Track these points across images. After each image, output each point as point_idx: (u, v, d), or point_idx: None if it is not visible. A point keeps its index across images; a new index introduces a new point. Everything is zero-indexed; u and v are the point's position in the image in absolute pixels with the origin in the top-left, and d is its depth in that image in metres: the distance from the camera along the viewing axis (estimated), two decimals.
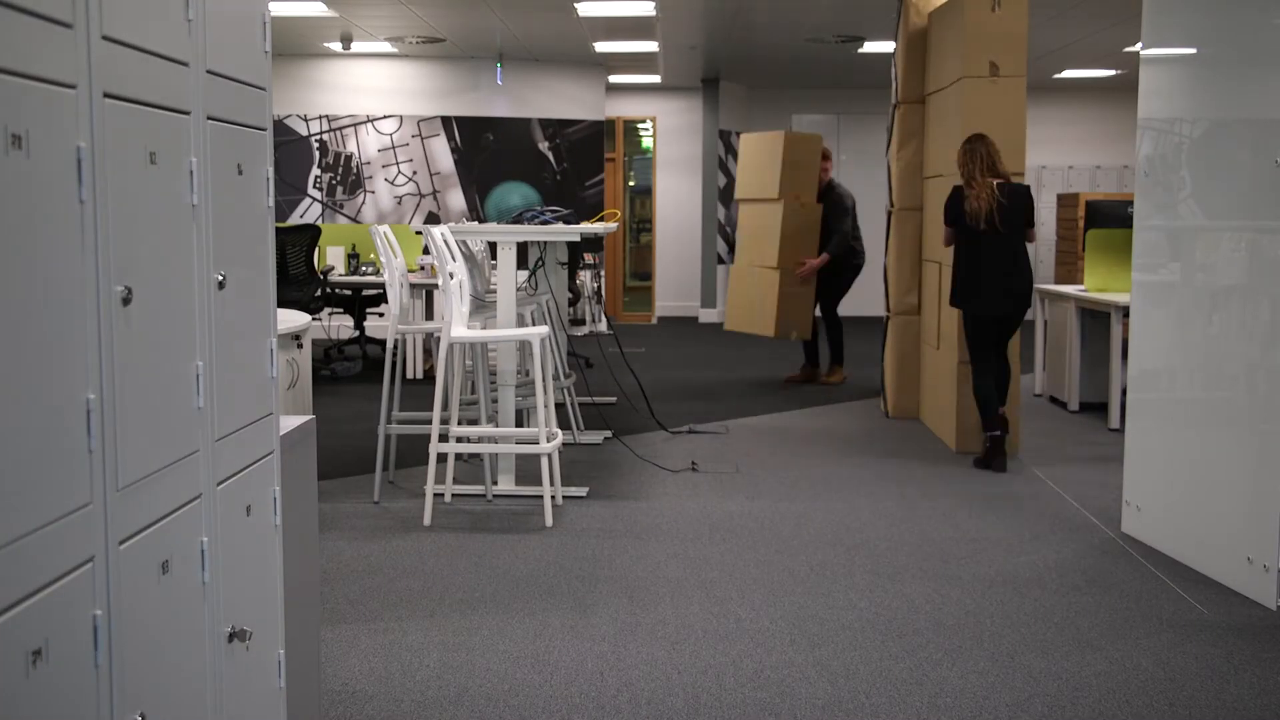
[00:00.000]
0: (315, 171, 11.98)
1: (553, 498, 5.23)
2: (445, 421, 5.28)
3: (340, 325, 11.07)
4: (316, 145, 11.98)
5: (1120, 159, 14.50)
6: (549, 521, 5.06)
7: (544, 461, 5.13)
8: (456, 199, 12.10)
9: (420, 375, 9.34)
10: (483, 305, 5.77)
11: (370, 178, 12.01)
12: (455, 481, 5.57)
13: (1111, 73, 12.83)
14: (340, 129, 11.99)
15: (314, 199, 11.99)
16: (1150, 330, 4.85)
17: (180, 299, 1.87)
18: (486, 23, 9.94)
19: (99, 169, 1.59)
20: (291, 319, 4.24)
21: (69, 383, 1.52)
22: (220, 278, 2.01)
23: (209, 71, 1.97)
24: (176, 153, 1.85)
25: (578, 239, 5.83)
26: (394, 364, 5.56)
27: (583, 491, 5.60)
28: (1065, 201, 13.39)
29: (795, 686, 3.38)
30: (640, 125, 14.88)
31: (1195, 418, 4.53)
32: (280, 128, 11.82)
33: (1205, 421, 4.46)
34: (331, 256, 10.23)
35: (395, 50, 11.53)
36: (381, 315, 10.86)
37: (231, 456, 2.09)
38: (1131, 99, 5.26)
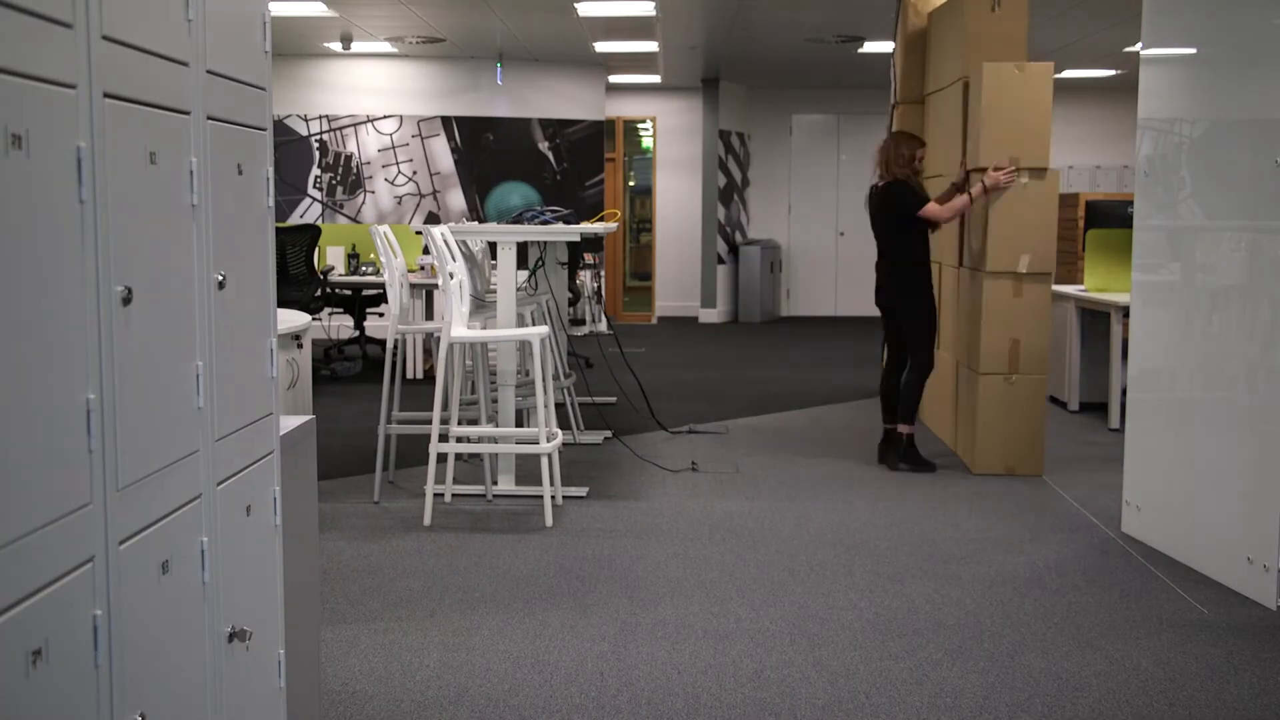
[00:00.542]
0: (315, 171, 11.98)
1: (553, 498, 5.23)
2: (445, 421, 5.28)
3: (340, 325, 11.06)
4: (316, 145, 11.98)
5: (1120, 159, 14.50)
6: (549, 521, 5.06)
7: (544, 461, 5.13)
8: (456, 199, 12.09)
9: (420, 375, 9.34)
10: (483, 305, 5.77)
11: (370, 178, 12.01)
12: (455, 481, 5.57)
13: (1111, 73, 12.84)
14: (340, 129, 11.99)
15: (314, 199, 11.99)
16: (1150, 330, 4.85)
17: (180, 299, 1.87)
18: (486, 23, 9.94)
19: (99, 169, 1.59)
20: (291, 319, 4.24)
21: (69, 383, 1.52)
22: (220, 278, 2.01)
23: (209, 71, 1.97)
24: (176, 153, 1.85)
25: (578, 239, 5.83)
26: (394, 364, 5.56)
27: (583, 491, 5.60)
28: (1065, 201, 13.38)
29: (795, 686, 3.38)
30: (640, 125, 14.88)
31: (1195, 418, 4.53)
32: (280, 128, 11.82)
33: (1205, 421, 4.46)
34: (331, 256, 10.23)
35: (395, 50, 11.53)
36: (381, 315, 10.86)
37: (231, 456, 2.09)
38: (1131, 99, 5.26)
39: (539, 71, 12.20)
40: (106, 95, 1.61)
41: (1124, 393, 5.48)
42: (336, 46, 11.20)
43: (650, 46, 11.08)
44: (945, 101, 6.95)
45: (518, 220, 5.90)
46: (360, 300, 9.97)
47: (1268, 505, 4.06)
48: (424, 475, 5.62)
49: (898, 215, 6.10)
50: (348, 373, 9.49)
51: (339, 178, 12.02)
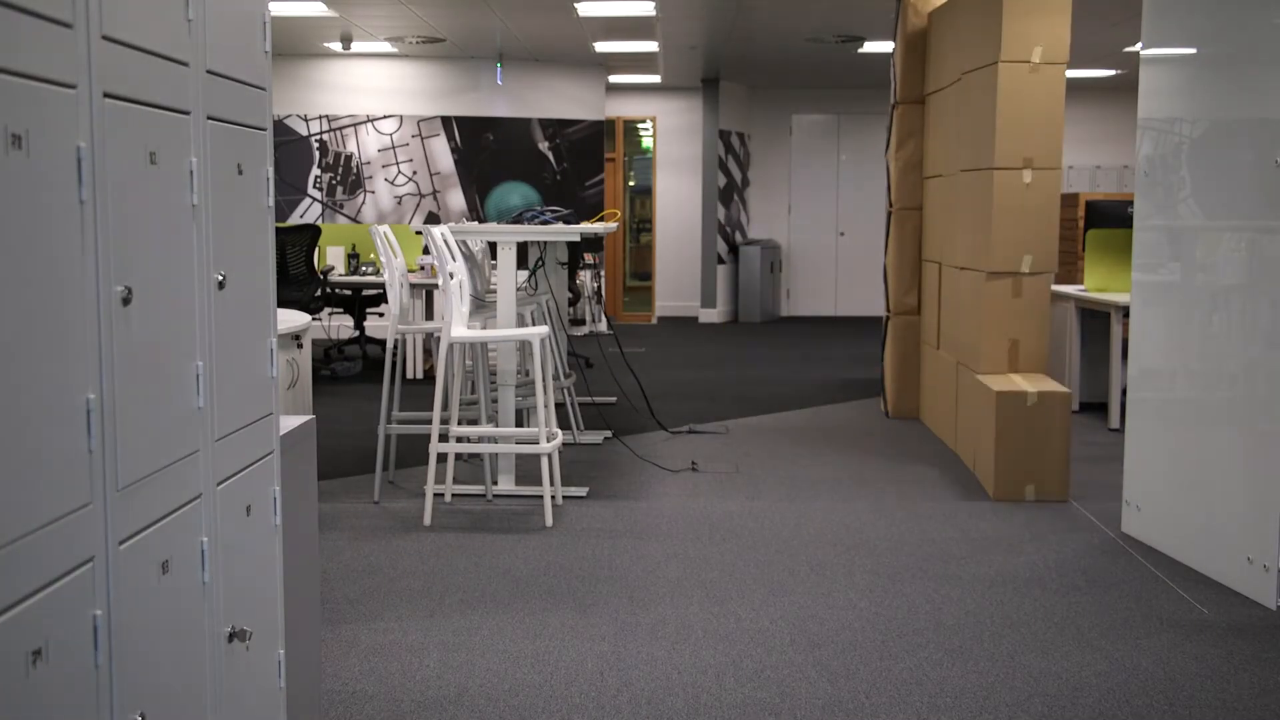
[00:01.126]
0: (315, 171, 11.98)
1: (553, 498, 5.23)
2: (445, 421, 5.28)
3: (340, 325, 11.06)
4: (316, 145, 11.98)
5: (1120, 159, 14.50)
6: (549, 521, 5.06)
7: (544, 461, 5.13)
8: (456, 199, 12.09)
9: (420, 375, 9.34)
10: (483, 305, 5.77)
11: (370, 178, 12.01)
12: (455, 481, 5.57)
13: (1111, 73, 12.83)
14: (340, 129, 11.99)
15: (314, 199, 11.99)
16: (1150, 330, 4.85)
17: (180, 299, 1.87)
18: (486, 23, 9.94)
19: (99, 169, 1.59)
20: (291, 319, 4.24)
21: (69, 383, 1.52)
22: (220, 278, 2.01)
23: (209, 71, 1.97)
24: (176, 153, 1.85)
25: (578, 239, 5.83)
26: (394, 364, 5.56)
27: (583, 491, 5.60)
28: (1065, 201, 13.39)
29: (795, 686, 3.38)
30: (640, 125, 14.88)
31: (1195, 418, 4.53)
32: (280, 128, 11.82)
33: (1205, 421, 4.46)
34: (331, 256, 10.23)
35: (395, 50, 11.53)
36: (381, 315, 10.87)
37: (231, 456, 2.09)
38: (1131, 99, 5.27)
39: (539, 71, 12.20)
40: (106, 95, 1.61)
41: (1124, 393, 5.48)
42: (336, 46, 11.20)
43: (650, 46, 11.08)
44: (951, 97, 6.95)
45: (518, 220, 5.90)
46: (360, 300, 9.97)
47: (1268, 505, 4.07)
48: (424, 475, 5.62)
49: None
50: (348, 373, 9.50)
51: (339, 178, 12.01)
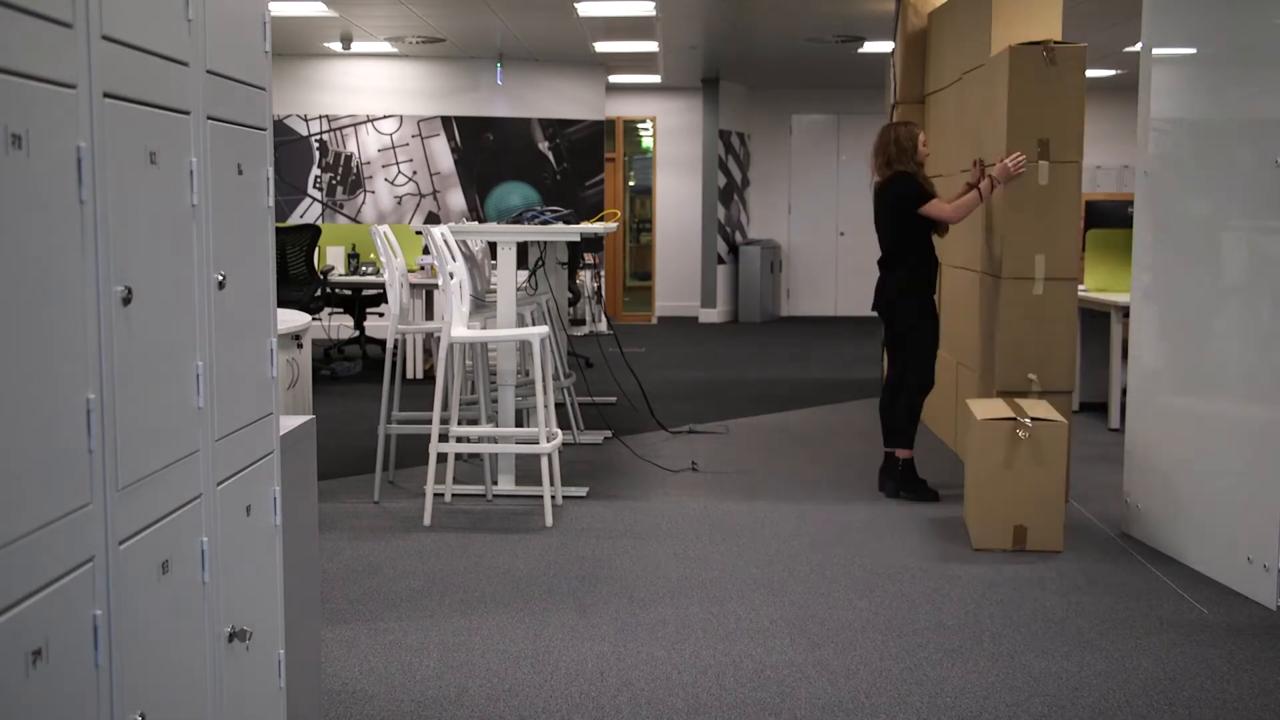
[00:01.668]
0: (315, 171, 11.98)
1: (553, 498, 5.23)
2: (445, 421, 5.28)
3: (340, 325, 11.06)
4: (316, 145, 11.98)
5: (1120, 159, 14.50)
6: (549, 521, 5.06)
7: (544, 461, 5.13)
8: (456, 199, 12.09)
9: (420, 375, 9.34)
10: (483, 305, 5.77)
11: (370, 178, 12.01)
12: (455, 481, 5.57)
13: (1111, 73, 12.83)
14: (340, 129, 11.99)
15: (314, 199, 11.99)
16: (1150, 330, 4.85)
17: (180, 299, 1.87)
18: (486, 23, 9.94)
19: (99, 169, 1.59)
20: (291, 319, 4.24)
21: (69, 383, 1.52)
22: (220, 278, 2.01)
23: (209, 71, 1.97)
24: (176, 153, 1.85)
25: (578, 239, 5.83)
26: (394, 364, 5.56)
27: (583, 491, 5.60)
28: None
29: (795, 686, 3.38)
30: (640, 125, 14.88)
31: (1195, 418, 4.53)
32: (280, 128, 11.82)
33: (1205, 421, 4.46)
34: (331, 256, 10.23)
35: (395, 50, 11.53)
36: (381, 315, 10.86)
37: (231, 456, 2.09)
38: (1131, 99, 5.25)
39: (539, 71, 12.20)
40: (106, 95, 1.61)
41: (1124, 393, 5.48)
42: (336, 46, 11.20)
43: (650, 46, 11.08)
44: (948, 100, 6.95)
45: (518, 220, 5.90)
46: (360, 300, 9.97)
47: (1268, 505, 4.06)
48: (424, 475, 5.62)
49: (895, 211, 5.46)
50: (348, 373, 9.49)
51: (339, 178, 12.01)
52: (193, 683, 1.94)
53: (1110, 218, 9.11)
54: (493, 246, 6.37)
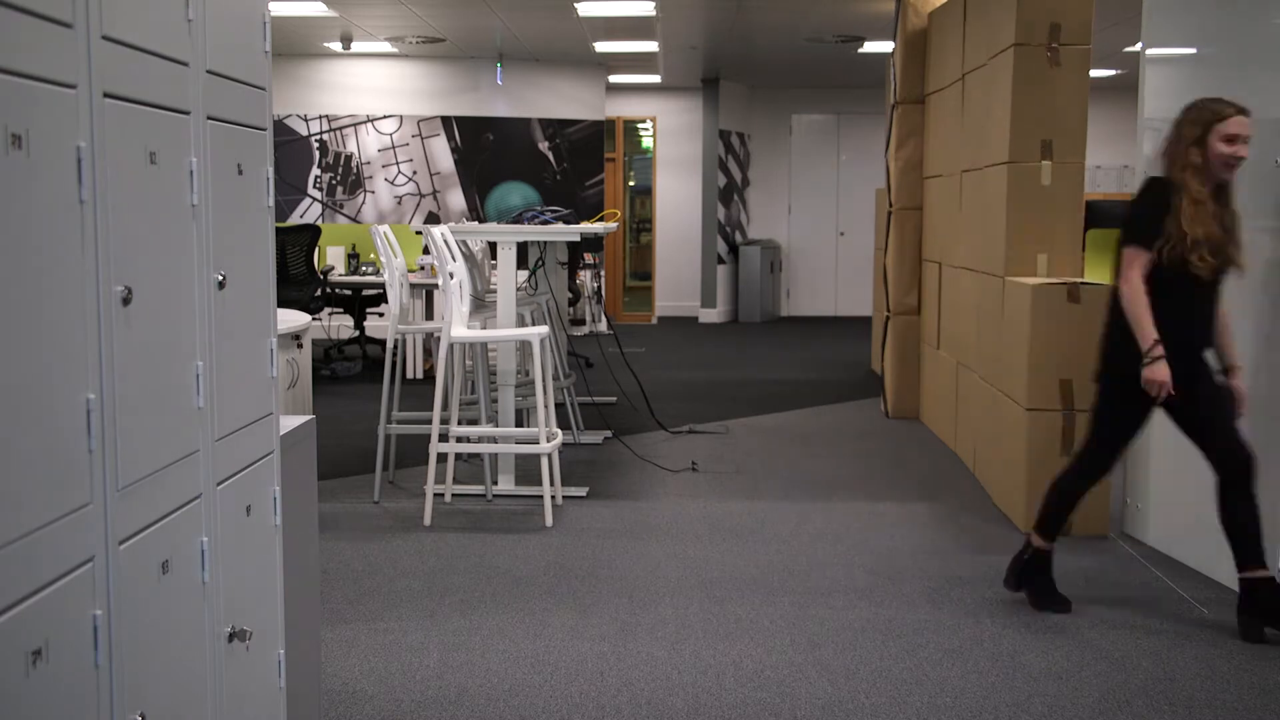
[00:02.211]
0: (315, 171, 11.98)
1: (553, 498, 5.23)
2: (445, 421, 5.28)
3: (340, 325, 11.06)
4: (316, 145, 11.98)
5: (1120, 159, 14.50)
6: (549, 521, 5.06)
7: (544, 461, 5.13)
8: (456, 199, 12.09)
9: (420, 375, 9.34)
10: (483, 305, 5.77)
11: (370, 178, 12.01)
12: (455, 481, 5.57)
13: (1111, 73, 12.84)
14: (340, 129, 11.99)
15: (314, 199, 11.99)
16: None
17: (180, 299, 1.87)
18: (486, 23, 9.94)
19: (99, 169, 1.59)
20: (291, 319, 4.24)
21: (69, 383, 1.52)
22: (220, 278, 2.01)
23: (209, 71, 1.97)
24: (176, 153, 1.85)
25: (578, 239, 5.83)
26: (394, 364, 5.56)
27: (583, 491, 5.60)
28: None
29: (795, 686, 3.38)
30: (640, 125, 14.88)
31: None
32: (280, 128, 11.82)
33: None
34: (331, 256, 10.23)
35: (395, 50, 11.53)
36: (381, 315, 10.86)
37: (231, 456, 2.09)
38: (1131, 99, 5.25)
39: (539, 71, 12.20)
40: (106, 95, 1.61)
41: None
42: (336, 46, 11.20)
43: (650, 46, 11.08)
44: (948, 100, 6.95)
45: (518, 220, 5.90)
46: (360, 300, 9.97)
47: (1268, 505, 4.06)
48: (424, 475, 5.62)
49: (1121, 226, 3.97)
50: (348, 373, 9.50)
51: (339, 178, 12.02)
52: (193, 683, 1.94)
53: (1110, 218, 9.09)
54: (493, 246, 6.37)
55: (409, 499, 5.50)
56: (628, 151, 14.86)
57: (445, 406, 5.29)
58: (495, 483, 5.59)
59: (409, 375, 9.24)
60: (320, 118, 11.98)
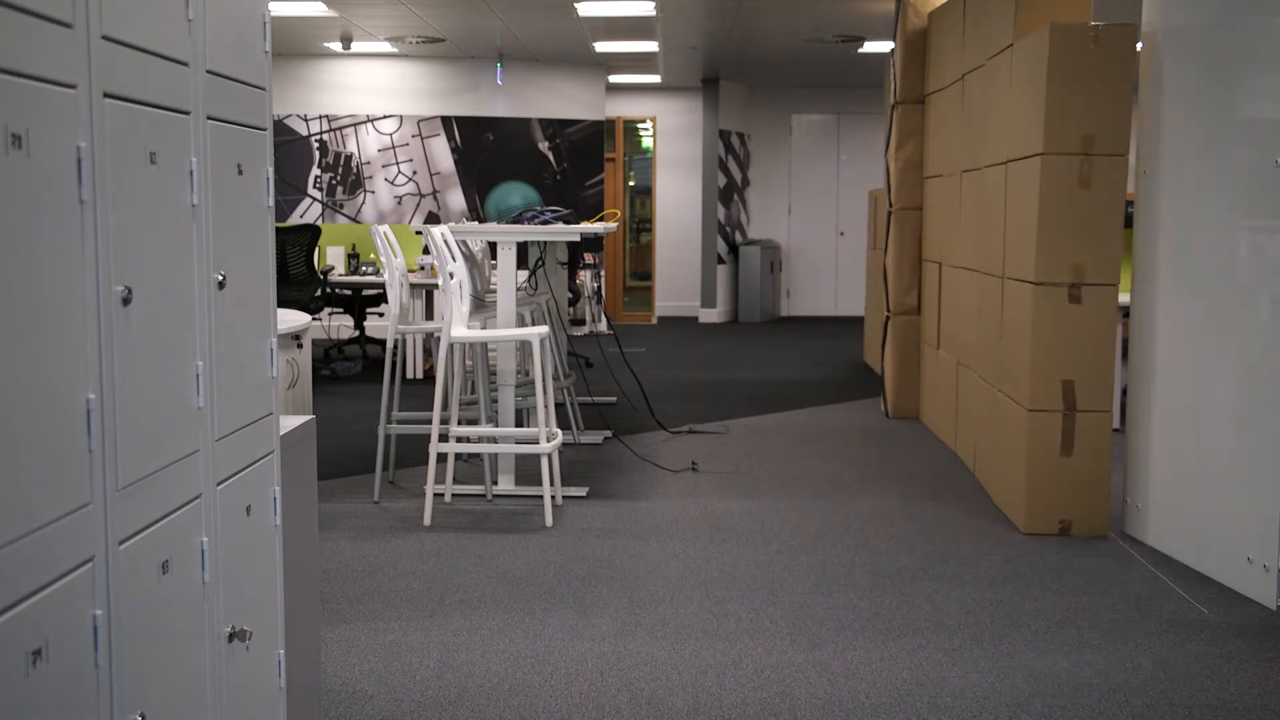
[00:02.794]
0: (315, 171, 11.98)
1: (553, 498, 5.23)
2: (445, 421, 5.28)
3: (340, 325, 11.06)
4: (316, 145, 11.98)
5: None
6: (549, 521, 5.06)
7: (544, 461, 5.13)
8: (456, 199, 12.10)
9: (420, 375, 9.34)
10: (483, 305, 5.77)
11: (370, 178, 12.01)
12: (455, 481, 5.57)
13: None
14: (340, 129, 11.99)
15: (314, 199, 11.99)
16: (1150, 330, 4.85)
17: (180, 299, 1.87)
18: (486, 23, 9.94)
19: (99, 169, 1.59)
20: (291, 319, 4.24)
21: (69, 383, 1.52)
22: (220, 278, 2.01)
23: (209, 71, 1.97)
24: (176, 153, 1.85)
25: (578, 239, 5.83)
26: (394, 364, 5.56)
27: (583, 491, 5.60)
28: None
29: (795, 686, 3.38)
30: (640, 125, 14.88)
31: (1195, 417, 4.53)
32: (280, 128, 11.82)
33: (1205, 421, 4.46)
34: (331, 256, 10.23)
35: (395, 50, 11.53)
36: (381, 315, 10.87)
37: (231, 456, 2.09)
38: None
39: (539, 71, 12.20)
40: (106, 95, 1.61)
41: (1124, 393, 5.48)
42: (336, 46, 11.20)
43: (650, 46, 11.08)
44: (948, 100, 6.95)
45: (518, 220, 5.90)
46: (360, 300, 9.97)
47: (1268, 505, 4.07)
48: (424, 475, 5.62)
49: None
50: (348, 373, 9.50)
51: (339, 178, 12.02)
52: (193, 683, 1.94)
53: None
54: (493, 246, 6.37)
55: (409, 499, 5.50)
56: (628, 151, 14.86)
57: (445, 406, 5.29)
58: (495, 483, 5.59)
59: (409, 375, 9.24)
60: (320, 118, 11.98)
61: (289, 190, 11.92)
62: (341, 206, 12.01)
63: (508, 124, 12.13)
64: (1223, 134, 4.40)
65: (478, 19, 9.78)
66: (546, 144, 12.24)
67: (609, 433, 6.99)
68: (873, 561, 4.57)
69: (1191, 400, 4.57)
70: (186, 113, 1.89)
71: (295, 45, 11.25)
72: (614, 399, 8.17)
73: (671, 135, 14.59)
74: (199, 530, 1.95)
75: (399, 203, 12.05)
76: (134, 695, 1.70)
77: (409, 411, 6.21)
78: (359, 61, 11.93)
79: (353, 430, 7.04)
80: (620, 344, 9.04)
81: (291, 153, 11.90)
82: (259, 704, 2.26)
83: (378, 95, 12.02)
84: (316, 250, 9.31)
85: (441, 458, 5.55)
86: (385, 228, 5.66)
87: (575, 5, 9.01)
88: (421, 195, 12.06)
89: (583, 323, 12.74)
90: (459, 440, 5.53)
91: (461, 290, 5.11)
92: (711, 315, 14.11)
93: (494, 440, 5.52)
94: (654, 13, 9.28)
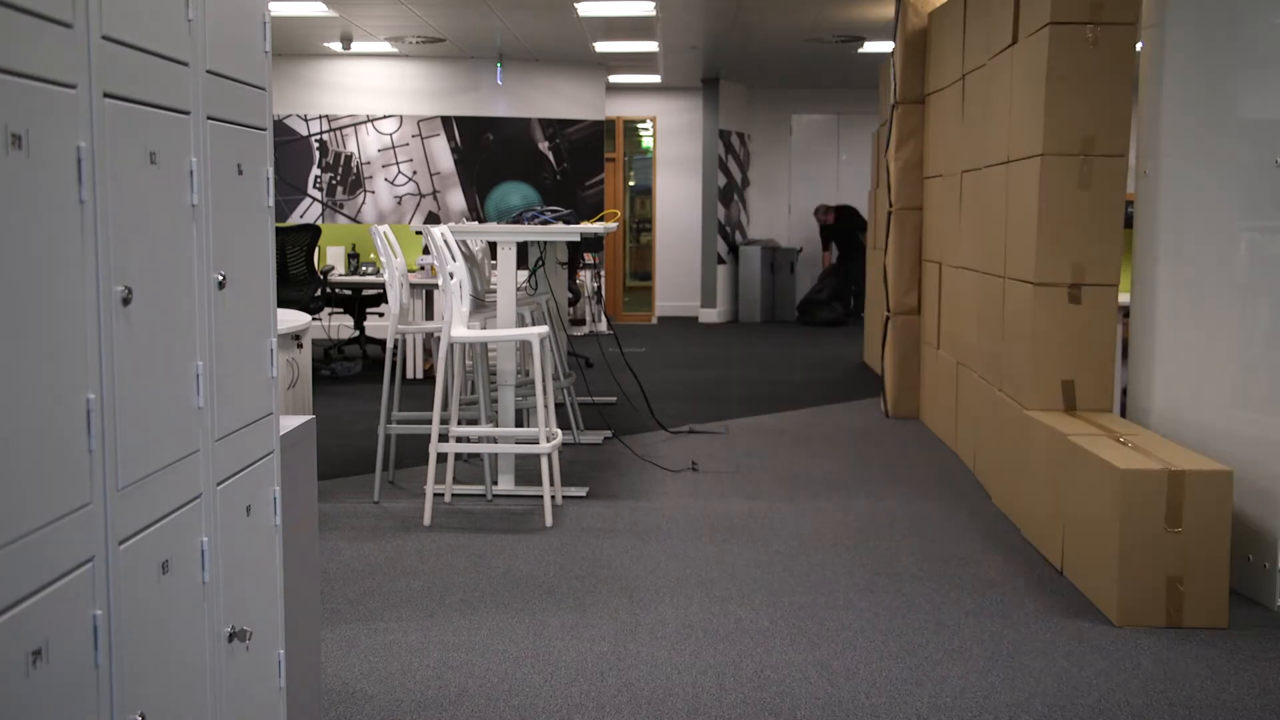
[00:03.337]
0: (315, 171, 11.99)
1: (553, 498, 5.23)
2: (445, 421, 5.28)
3: (340, 325, 11.07)
4: (316, 145, 11.98)
5: None
6: (549, 521, 5.06)
7: (544, 461, 5.13)
8: (456, 199, 12.10)
9: (420, 375, 9.34)
10: (483, 305, 5.77)
11: (370, 178, 12.01)
12: (455, 481, 5.57)
13: None
14: (340, 129, 11.99)
15: (314, 199, 11.99)
16: (1150, 330, 4.84)
17: (180, 299, 1.87)
18: (486, 23, 9.94)
19: (99, 169, 1.59)
20: (291, 319, 4.24)
21: (69, 383, 1.52)
22: (220, 278, 2.01)
23: (209, 71, 1.97)
24: (176, 153, 1.85)
25: (578, 239, 5.83)
26: (394, 364, 5.56)
27: (583, 491, 5.60)
28: None
29: (795, 686, 3.38)
30: (640, 125, 14.88)
31: (1195, 417, 4.52)
32: (280, 128, 11.82)
33: (1205, 421, 4.46)
34: (331, 256, 10.23)
35: (395, 50, 11.54)
36: (381, 315, 10.86)
37: (231, 456, 2.09)
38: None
39: (539, 71, 12.20)
40: (106, 95, 1.61)
41: (1124, 393, 5.48)
42: (336, 46, 11.21)
43: (650, 46, 11.08)
44: (949, 100, 6.95)
45: (518, 220, 5.90)
46: (360, 300, 9.97)
47: (1268, 505, 4.06)
48: (424, 475, 5.62)
49: None
50: (348, 373, 9.50)
51: (339, 178, 12.02)
52: (193, 683, 1.94)
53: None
54: (493, 246, 6.37)
55: (409, 499, 5.50)
56: (628, 151, 14.86)
57: (445, 406, 5.29)
58: (495, 483, 5.59)
59: (409, 375, 9.24)
60: (320, 118, 11.98)
61: (289, 190, 11.92)
62: (341, 206, 12.01)
63: (508, 124, 12.14)
64: (1223, 134, 4.40)
65: (478, 19, 9.78)
66: (546, 144, 12.24)
67: (609, 433, 6.99)
68: (873, 561, 4.57)
69: (1191, 400, 4.57)
70: (186, 113, 1.89)
71: (295, 45, 11.25)
72: (614, 399, 8.17)
73: (671, 135, 14.59)
74: (199, 530, 1.95)
75: (399, 203, 12.05)
76: (134, 695, 1.70)
77: (409, 411, 6.21)
78: (359, 61, 11.93)
79: (353, 430, 7.04)
80: (620, 344, 9.04)
81: (291, 153, 11.90)
82: (259, 704, 2.26)
83: (378, 95, 12.02)
84: (316, 250, 9.31)
85: (441, 458, 5.55)
86: (385, 228, 5.66)
87: (575, 5, 9.01)
88: (421, 195, 12.07)
89: (583, 323, 12.74)
90: (459, 440, 5.53)
91: (461, 290, 5.11)
92: (711, 315, 14.11)
93: (494, 440, 5.51)
94: (654, 13, 9.28)
